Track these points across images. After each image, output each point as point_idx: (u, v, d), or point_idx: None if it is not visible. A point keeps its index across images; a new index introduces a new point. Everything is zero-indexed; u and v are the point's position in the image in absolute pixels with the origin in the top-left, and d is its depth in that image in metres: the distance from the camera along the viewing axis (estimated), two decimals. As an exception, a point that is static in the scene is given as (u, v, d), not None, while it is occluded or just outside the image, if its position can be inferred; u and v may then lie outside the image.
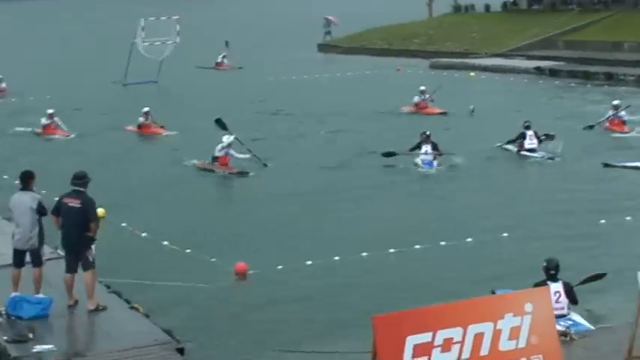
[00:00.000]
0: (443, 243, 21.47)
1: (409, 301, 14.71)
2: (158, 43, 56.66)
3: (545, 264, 15.60)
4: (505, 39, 63.75)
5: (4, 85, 52.15)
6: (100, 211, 16.68)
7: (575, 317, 15.34)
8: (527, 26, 64.76)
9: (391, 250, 21.03)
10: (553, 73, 53.47)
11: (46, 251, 17.58)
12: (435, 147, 29.81)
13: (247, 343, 16.08)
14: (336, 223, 24.15)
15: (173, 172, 30.43)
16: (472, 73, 55.16)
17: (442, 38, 69.22)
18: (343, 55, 71.27)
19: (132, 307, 16.67)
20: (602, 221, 23.12)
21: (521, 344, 12.81)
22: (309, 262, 20.21)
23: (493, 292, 15.31)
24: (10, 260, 16.94)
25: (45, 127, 37.39)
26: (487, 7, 75.62)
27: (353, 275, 19.70)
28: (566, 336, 14.68)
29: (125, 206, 24.92)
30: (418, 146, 29.87)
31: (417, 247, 21.23)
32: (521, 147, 31.06)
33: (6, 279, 16.75)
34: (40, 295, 16.48)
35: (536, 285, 15.24)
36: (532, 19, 66.54)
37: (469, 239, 21.70)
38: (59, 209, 16.37)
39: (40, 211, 16.32)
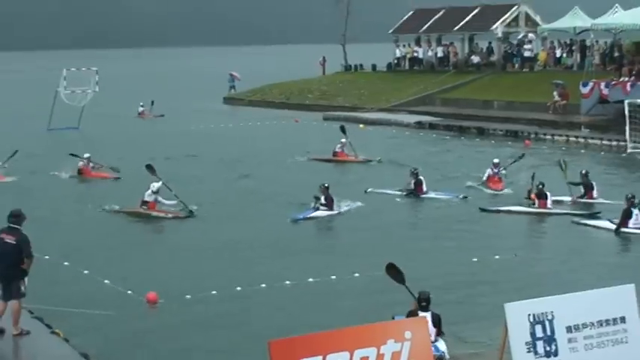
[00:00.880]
0: (333, 277, 21.58)
1: (302, 327, 14.75)
2: (79, 91, 56.39)
3: (417, 295, 15.74)
4: (390, 95, 64.19)
5: None
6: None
7: (440, 345, 15.30)
8: (409, 85, 65.30)
9: (287, 282, 21.06)
10: (432, 126, 53.89)
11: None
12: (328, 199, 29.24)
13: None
14: (238, 258, 24.06)
15: (99, 213, 29.97)
16: (362, 125, 55.31)
17: (334, 94, 69.52)
18: (246, 107, 71.18)
19: (53, 332, 16.51)
20: (475, 259, 23.48)
21: (402, 367, 12.93)
22: (214, 292, 20.18)
23: (393, 318, 15.38)
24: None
25: None
26: (374, 67, 76.13)
27: (252, 304, 19.69)
28: (441, 360, 14.87)
29: (51, 239, 24.55)
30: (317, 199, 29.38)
31: (310, 280, 21.30)
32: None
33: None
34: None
35: (409, 313, 15.40)
36: (413, 79, 67.01)
37: (356, 274, 21.82)
38: None
39: None
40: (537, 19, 67.84)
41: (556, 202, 29.55)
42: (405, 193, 32.14)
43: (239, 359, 15.68)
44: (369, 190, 32.50)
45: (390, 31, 76.01)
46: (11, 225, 16.20)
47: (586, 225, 27.58)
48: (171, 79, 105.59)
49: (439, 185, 33.26)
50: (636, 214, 26.30)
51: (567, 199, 30.27)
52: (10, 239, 16.00)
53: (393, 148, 40.89)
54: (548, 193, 29.33)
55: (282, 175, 37.15)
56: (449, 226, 28.13)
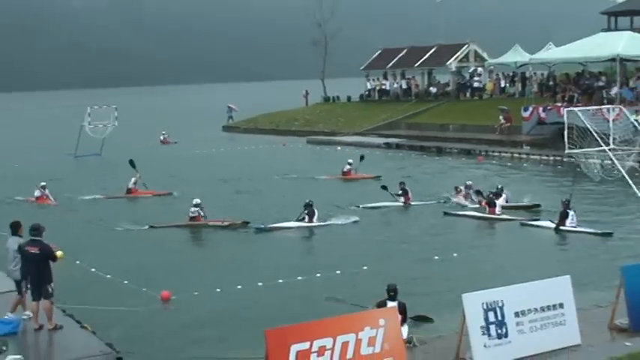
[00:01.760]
0: (318, 275, 21.55)
1: (293, 318, 14.72)
2: (101, 125, 56.28)
3: (386, 287, 15.73)
4: (362, 121, 64.14)
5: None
6: (59, 253, 16.38)
7: (403, 329, 14.99)
8: (378, 112, 65.32)
9: (280, 281, 21.02)
10: (398, 147, 53.89)
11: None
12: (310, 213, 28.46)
13: (170, 352, 15.92)
14: (239, 260, 24.05)
15: (124, 228, 29.26)
16: (339, 148, 55.40)
17: (316, 121, 69.40)
18: (242, 134, 71.05)
19: (82, 326, 16.41)
20: (436, 257, 23.47)
21: (377, 350, 12.94)
22: (218, 290, 20.13)
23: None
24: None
25: (37, 198, 34.80)
26: (349, 98, 76.12)
27: (251, 299, 19.59)
28: (410, 343, 14.82)
29: (79, 249, 24.45)
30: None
31: (299, 278, 21.26)
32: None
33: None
34: (12, 316, 16.27)
35: (379, 303, 15.35)
36: (382, 107, 67.02)
37: (338, 271, 21.80)
38: (22, 255, 16.10)
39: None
40: (484, 55, 68.13)
41: (509, 208, 29.55)
42: (395, 200, 32.01)
43: (240, 346, 15.59)
44: (361, 206, 31.83)
45: (362, 67, 76.17)
46: (33, 238, 16.17)
47: (531, 226, 27.63)
48: (176, 112, 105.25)
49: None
50: (572, 215, 26.39)
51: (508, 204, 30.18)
52: (34, 250, 15.95)
53: (369, 165, 40.75)
54: (496, 202, 29.34)
55: (267, 189, 37.07)
56: (416, 228, 28.23)
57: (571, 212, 26.42)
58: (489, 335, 13.79)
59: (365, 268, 21.97)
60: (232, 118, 79.14)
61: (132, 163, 36.70)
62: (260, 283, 20.69)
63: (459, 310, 13.91)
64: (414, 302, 16.75)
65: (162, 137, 64.90)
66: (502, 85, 64.93)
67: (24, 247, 16.16)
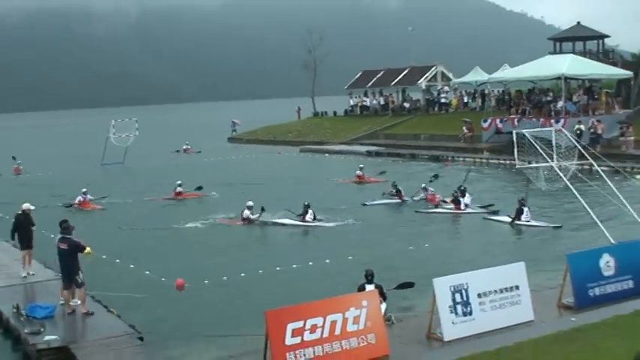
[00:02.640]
0: (310, 263, 21.51)
1: (289, 300, 14.70)
2: (124, 136, 56.14)
3: (364, 273, 15.68)
4: (347, 132, 64.15)
5: (21, 166, 50.96)
6: (88, 249, 16.27)
7: (382, 306, 15.00)
8: (360, 125, 65.35)
9: (277, 268, 20.96)
10: (378, 154, 53.82)
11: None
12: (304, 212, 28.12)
13: (185, 332, 15.85)
14: (243, 251, 23.95)
15: (147, 223, 29.35)
16: (327, 155, 55.50)
17: (307, 132, 69.37)
18: (244, 144, 70.96)
19: (109, 311, 16.43)
20: (411, 247, 23.46)
21: (361, 327, 12.93)
22: (225, 278, 20.06)
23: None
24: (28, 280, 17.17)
25: (81, 202, 33.33)
26: (335, 113, 76.15)
27: (253, 286, 19.54)
28: (389, 320, 14.82)
29: (107, 244, 24.28)
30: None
31: (294, 266, 21.22)
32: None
33: (20, 292, 16.78)
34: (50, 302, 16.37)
35: (359, 287, 15.25)
36: (363, 120, 67.09)
37: (327, 260, 21.76)
38: (57, 250, 16.20)
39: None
40: (450, 75, 68.47)
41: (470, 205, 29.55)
42: (390, 198, 32.11)
43: (243, 325, 15.55)
44: (367, 203, 31.80)
45: (346, 87, 76.39)
46: (63, 235, 16.13)
47: (492, 220, 27.66)
48: (187, 126, 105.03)
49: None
50: (526, 211, 26.40)
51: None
52: (64, 246, 16.03)
53: (370, 170, 40.90)
54: (461, 199, 29.35)
55: (270, 191, 36.87)
56: (392, 223, 28.20)
57: (525, 208, 26.45)
58: (456, 313, 13.80)
59: (350, 258, 21.92)
60: (236, 131, 79.07)
61: (200, 188, 36.07)
62: (260, 271, 20.62)
63: (431, 292, 13.92)
64: (392, 286, 16.67)
65: (184, 147, 64.32)
66: (465, 101, 65.22)
67: (57, 243, 16.14)
